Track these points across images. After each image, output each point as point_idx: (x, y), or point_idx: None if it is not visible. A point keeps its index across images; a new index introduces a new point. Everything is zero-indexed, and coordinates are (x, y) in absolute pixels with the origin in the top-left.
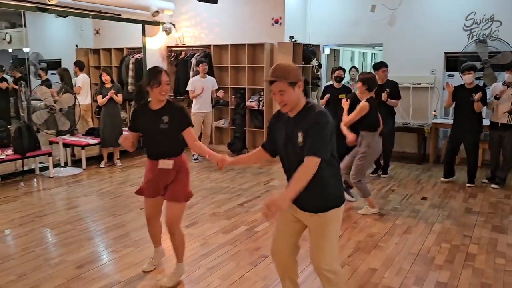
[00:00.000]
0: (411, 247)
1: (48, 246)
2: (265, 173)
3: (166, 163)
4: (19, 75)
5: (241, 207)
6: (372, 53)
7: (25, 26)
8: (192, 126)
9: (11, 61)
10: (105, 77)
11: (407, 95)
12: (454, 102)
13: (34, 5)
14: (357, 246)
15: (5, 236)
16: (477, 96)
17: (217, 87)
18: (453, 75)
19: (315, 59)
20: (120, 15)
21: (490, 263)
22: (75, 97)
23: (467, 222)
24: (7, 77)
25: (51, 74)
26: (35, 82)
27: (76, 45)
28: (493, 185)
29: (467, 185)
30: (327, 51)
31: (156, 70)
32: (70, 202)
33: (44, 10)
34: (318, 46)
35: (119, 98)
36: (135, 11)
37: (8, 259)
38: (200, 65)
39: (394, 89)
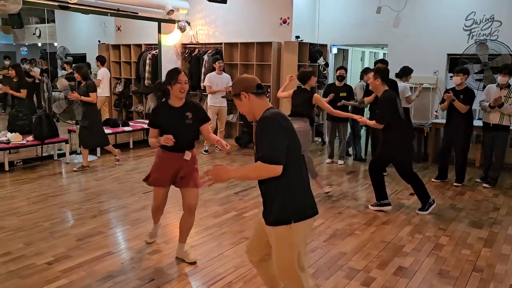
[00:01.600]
0: (385, 236)
1: (56, 221)
2: None
3: (188, 155)
4: (46, 66)
5: (235, 195)
6: (384, 53)
7: (53, 21)
8: (210, 120)
9: (40, 54)
10: (76, 75)
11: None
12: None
13: (56, 3)
14: (334, 233)
15: (20, 211)
16: (449, 97)
17: (231, 84)
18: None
19: (321, 58)
20: (137, 13)
21: (455, 253)
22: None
23: (447, 216)
24: (37, 69)
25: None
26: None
27: (99, 41)
28: (484, 185)
29: (455, 184)
30: (334, 50)
31: (176, 71)
32: (81, 185)
33: (66, 8)
34: (325, 45)
35: (90, 97)
36: (152, 9)
37: (19, 230)
38: (217, 62)
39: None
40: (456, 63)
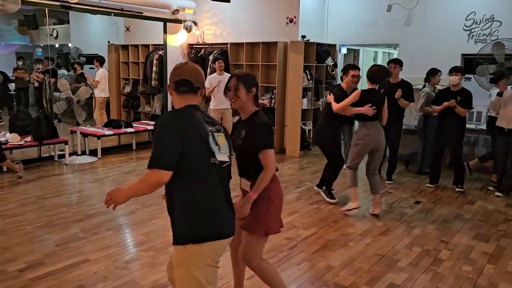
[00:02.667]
0: (380, 249)
1: (39, 225)
2: None
3: (244, 183)
4: (50, 67)
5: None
6: (398, 53)
7: (67, 22)
8: (271, 148)
9: (57, 55)
10: None
11: None
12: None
13: (57, 3)
14: (325, 244)
15: (7, 214)
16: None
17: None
18: (470, 78)
19: (329, 58)
20: (142, 13)
21: (454, 270)
22: (92, 90)
23: (451, 228)
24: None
25: (90, 68)
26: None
27: (108, 41)
28: (497, 193)
29: (457, 188)
30: (344, 50)
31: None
32: (75, 187)
33: (68, 8)
34: (334, 45)
35: None
36: (157, 9)
37: (0, 234)
38: (217, 62)
39: (407, 90)
40: (470, 64)
